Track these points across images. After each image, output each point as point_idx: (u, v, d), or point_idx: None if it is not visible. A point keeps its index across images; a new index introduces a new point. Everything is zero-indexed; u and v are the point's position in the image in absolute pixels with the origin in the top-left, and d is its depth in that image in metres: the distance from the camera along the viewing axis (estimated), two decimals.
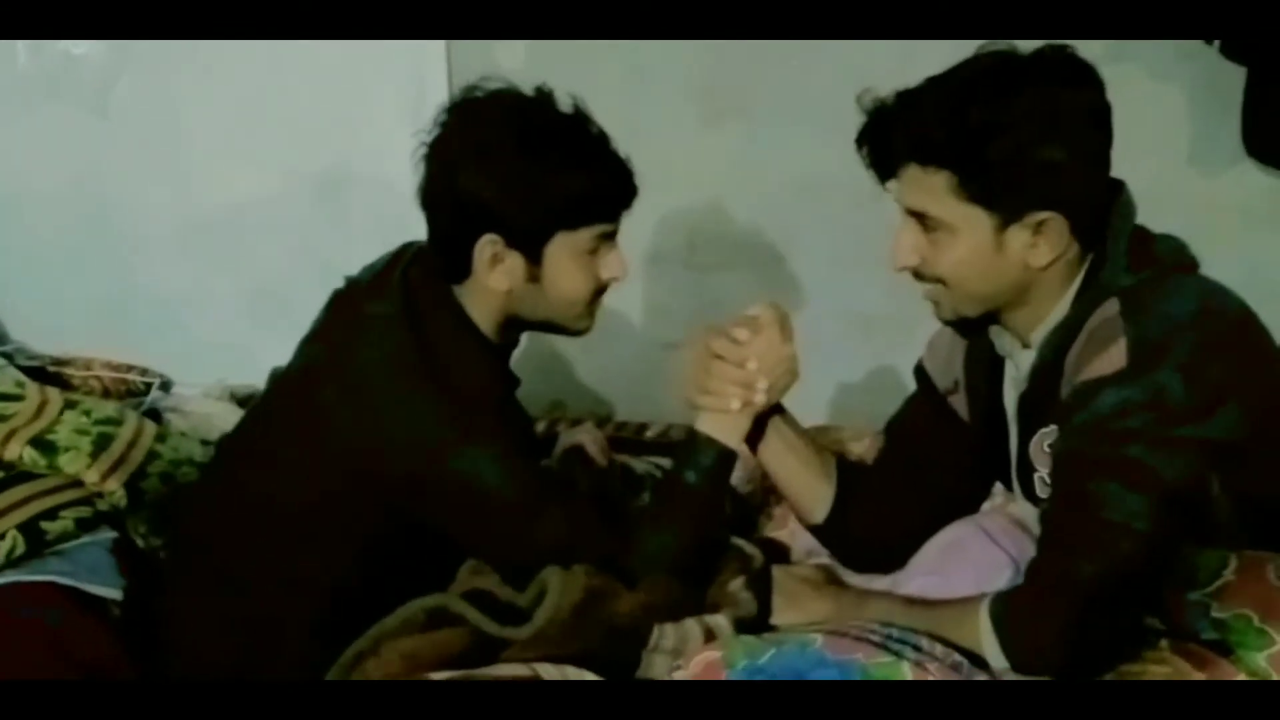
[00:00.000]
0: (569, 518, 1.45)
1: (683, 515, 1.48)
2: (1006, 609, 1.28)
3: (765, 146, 2.16)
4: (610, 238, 1.51)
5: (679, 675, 1.22)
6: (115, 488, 1.64)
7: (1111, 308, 1.28)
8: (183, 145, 2.27)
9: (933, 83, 1.30)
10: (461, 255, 1.47)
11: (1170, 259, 1.34)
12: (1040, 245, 1.30)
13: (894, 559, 1.49)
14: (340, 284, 1.58)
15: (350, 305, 1.54)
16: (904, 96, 1.31)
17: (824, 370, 2.25)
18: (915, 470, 1.53)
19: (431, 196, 1.49)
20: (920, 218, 1.33)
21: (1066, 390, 1.30)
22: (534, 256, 1.47)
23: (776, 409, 1.52)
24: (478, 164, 1.43)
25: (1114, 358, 1.24)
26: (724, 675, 1.18)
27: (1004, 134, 1.25)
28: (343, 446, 1.44)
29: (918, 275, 1.36)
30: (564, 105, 1.48)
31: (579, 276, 1.49)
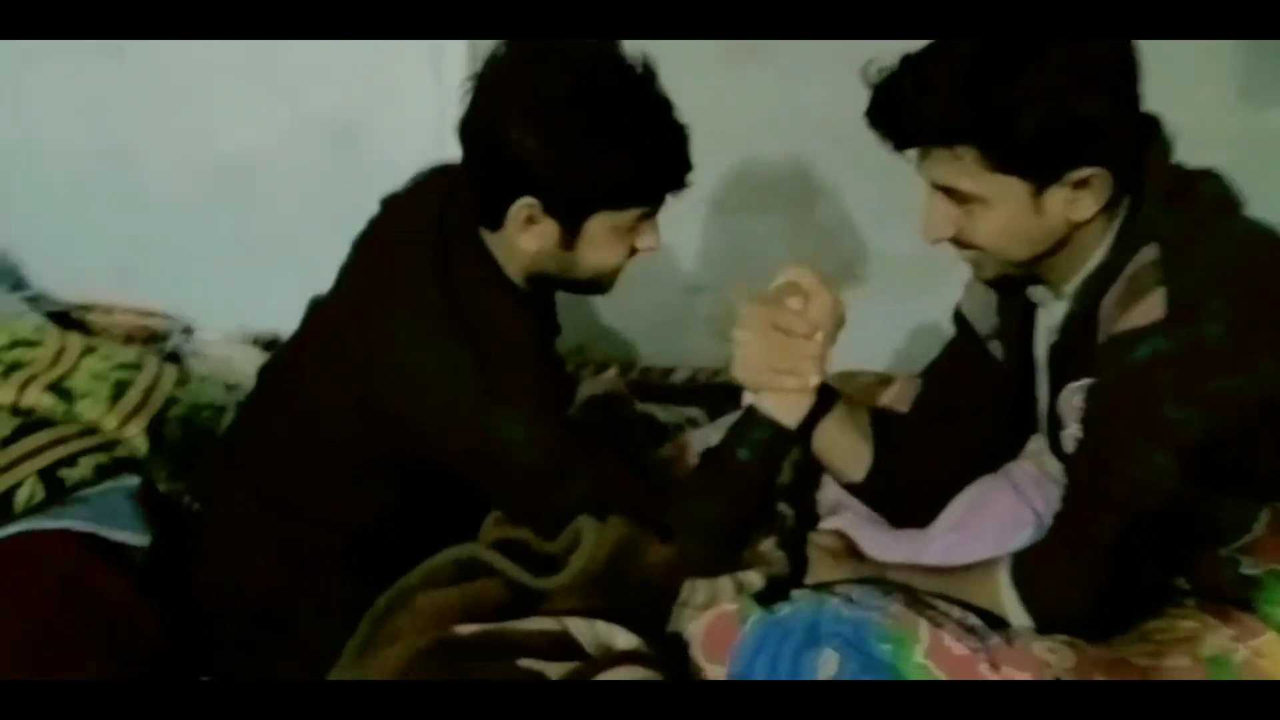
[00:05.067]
0: (600, 481, 1.42)
1: (730, 491, 1.44)
2: (1027, 565, 1.26)
3: (792, 86, 2.10)
4: (653, 214, 1.45)
5: (694, 627, 1.21)
6: (135, 433, 1.64)
7: (1150, 254, 1.23)
8: (199, 88, 2.22)
9: (942, 54, 1.21)
10: (496, 206, 1.40)
11: (1212, 198, 1.28)
12: (1083, 199, 1.24)
13: (935, 509, 1.46)
14: (358, 228, 1.55)
15: (385, 243, 1.51)
16: (914, 72, 1.22)
17: (853, 314, 2.24)
18: (955, 417, 1.48)
19: (474, 139, 1.40)
20: (949, 191, 1.26)
21: (1102, 341, 1.25)
22: (572, 228, 1.40)
23: None
24: (529, 121, 1.34)
25: (1151, 307, 1.20)
26: (737, 628, 1.17)
27: (1032, 103, 1.17)
28: (374, 402, 1.42)
29: (954, 243, 1.30)
30: (631, 65, 1.38)
31: (614, 250, 1.43)
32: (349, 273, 1.53)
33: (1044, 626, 1.24)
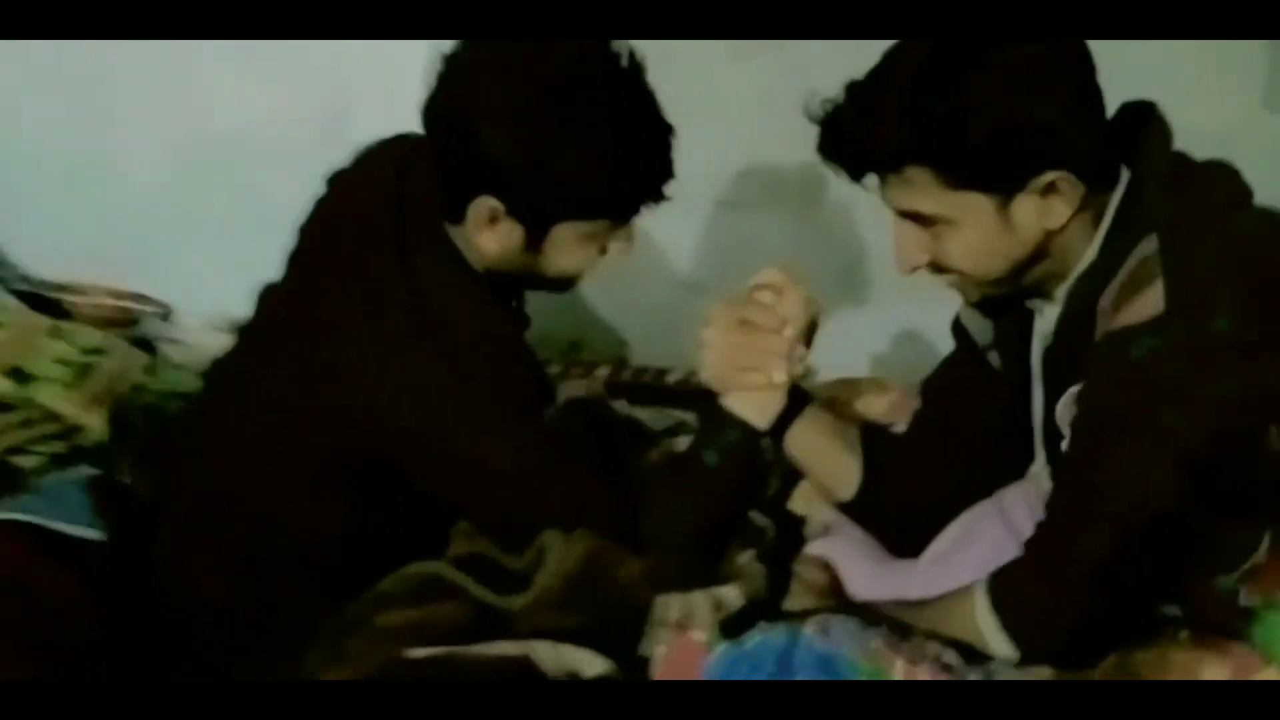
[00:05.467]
0: (578, 489, 1.35)
1: (699, 498, 1.36)
2: (1004, 584, 1.18)
3: (797, 80, 2.04)
4: (626, 222, 1.37)
5: (656, 656, 1.15)
6: (95, 421, 1.58)
7: (1149, 246, 1.15)
8: (186, 66, 2.16)
9: (883, 76, 1.18)
10: (456, 200, 1.32)
11: (1217, 188, 1.20)
12: (1054, 206, 1.18)
13: (932, 532, 1.38)
14: None
15: (337, 228, 1.41)
16: (856, 100, 1.19)
17: (855, 319, 2.17)
18: (956, 436, 1.40)
19: (440, 125, 1.32)
20: (914, 216, 1.20)
21: (1098, 339, 1.17)
22: (536, 233, 1.33)
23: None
24: (501, 120, 1.26)
25: (1150, 302, 1.12)
26: (702, 657, 1.11)
27: (976, 114, 1.13)
28: (332, 404, 1.33)
29: (931, 269, 1.24)
30: (617, 67, 1.31)
31: (581, 255, 1.36)
32: (298, 261, 1.44)
33: (1026, 654, 1.17)
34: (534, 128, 1.26)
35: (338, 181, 1.47)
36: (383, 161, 1.44)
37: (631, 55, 1.32)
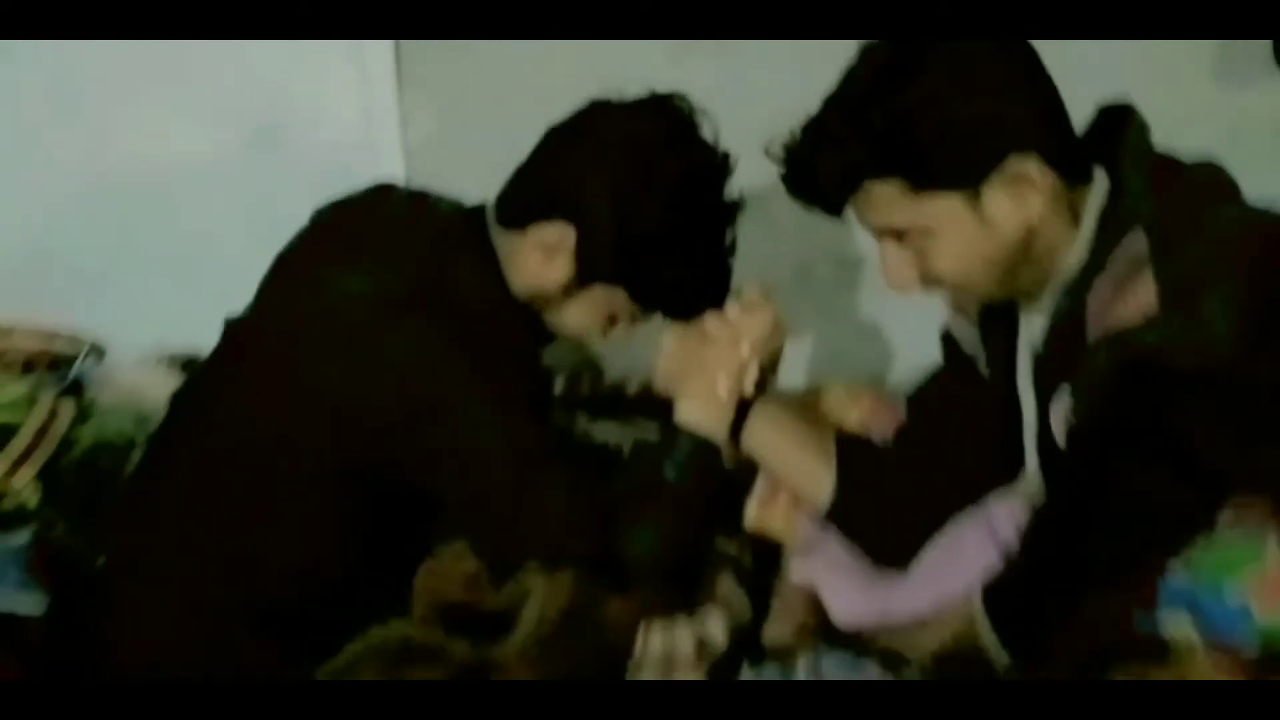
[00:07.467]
0: (569, 486, 1.31)
1: (665, 514, 1.33)
2: (1000, 594, 1.19)
3: (737, 82, 1.97)
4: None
5: None
6: (24, 483, 1.50)
7: (1137, 245, 1.14)
8: (104, 89, 2.09)
9: (827, 107, 1.21)
10: (534, 209, 1.35)
11: (1204, 184, 1.19)
12: (1026, 194, 1.16)
13: (918, 545, 1.34)
14: (280, 234, 1.45)
15: (355, 230, 1.43)
16: (809, 131, 1.21)
17: (815, 321, 2.14)
18: (947, 449, 1.38)
19: (551, 156, 1.37)
20: (893, 234, 1.20)
21: (1091, 341, 1.15)
22: (582, 282, 1.36)
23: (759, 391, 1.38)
24: (611, 182, 1.31)
25: (1142, 301, 1.10)
26: None
27: (921, 113, 1.14)
28: (325, 391, 1.29)
29: (924, 286, 1.24)
30: (731, 195, 1.37)
31: (596, 322, 1.40)
32: (290, 268, 1.43)
33: (1026, 660, 1.16)
34: (643, 205, 1.31)
35: (340, 209, 1.48)
36: (390, 189, 1.49)
37: (740, 196, 1.38)
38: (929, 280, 1.22)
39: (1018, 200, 1.17)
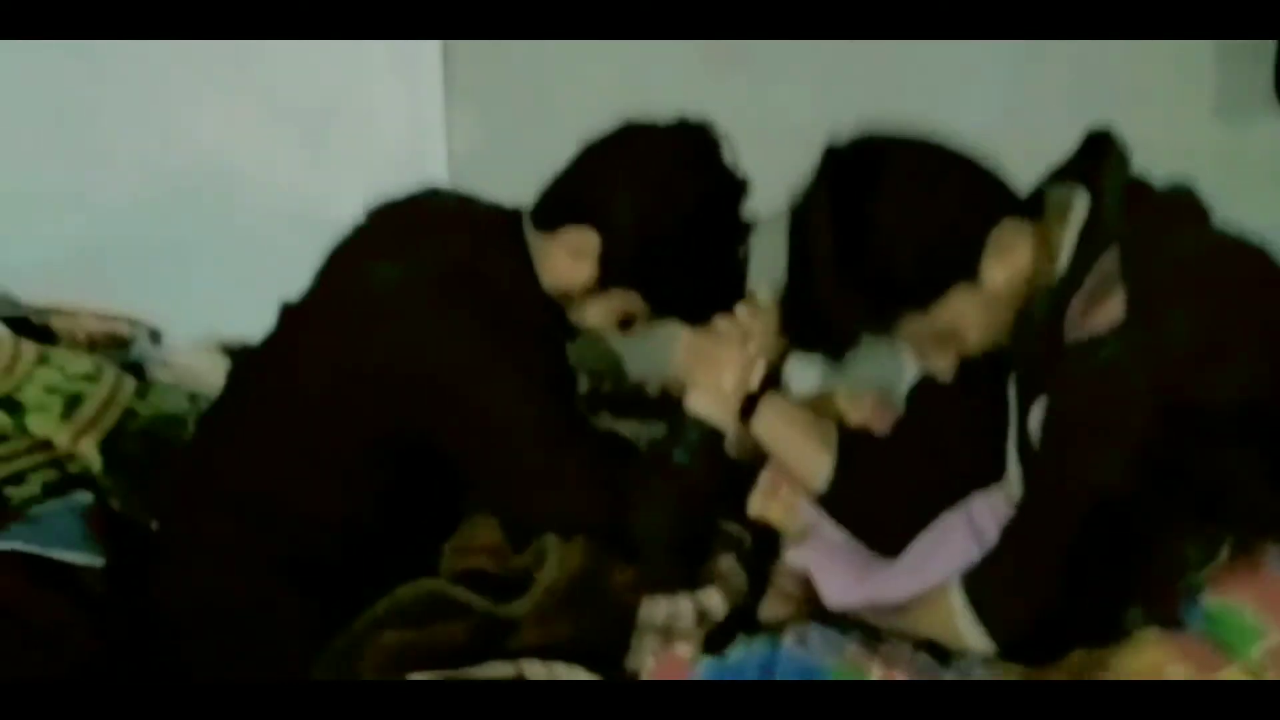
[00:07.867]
0: (587, 461, 1.41)
1: (672, 494, 1.43)
2: (977, 580, 1.24)
3: (770, 97, 2.05)
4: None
5: (647, 667, 1.18)
6: (88, 449, 1.59)
7: (1111, 260, 1.21)
8: (166, 86, 2.19)
9: (807, 272, 1.27)
10: (565, 212, 1.44)
11: (1175, 206, 1.26)
12: (1013, 252, 1.24)
13: (910, 535, 1.42)
14: (329, 229, 1.55)
15: (403, 232, 1.52)
16: (805, 308, 1.29)
17: None
18: (936, 444, 1.46)
19: (583, 168, 1.46)
20: (921, 344, 1.29)
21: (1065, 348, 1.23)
22: (603, 285, 1.45)
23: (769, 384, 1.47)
24: (630, 184, 1.41)
25: (1110, 311, 1.18)
26: (687, 670, 1.14)
27: (891, 253, 1.22)
28: (366, 364, 1.40)
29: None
30: (746, 220, 1.46)
31: (609, 322, 1.49)
32: (343, 268, 1.53)
33: (1000, 646, 1.23)
34: (662, 220, 1.40)
35: (391, 210, 1.56)
36: (436, 191, 1.58)
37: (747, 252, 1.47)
38: (965, 357, 1.31)
39: (1010, 261, 1.25)
